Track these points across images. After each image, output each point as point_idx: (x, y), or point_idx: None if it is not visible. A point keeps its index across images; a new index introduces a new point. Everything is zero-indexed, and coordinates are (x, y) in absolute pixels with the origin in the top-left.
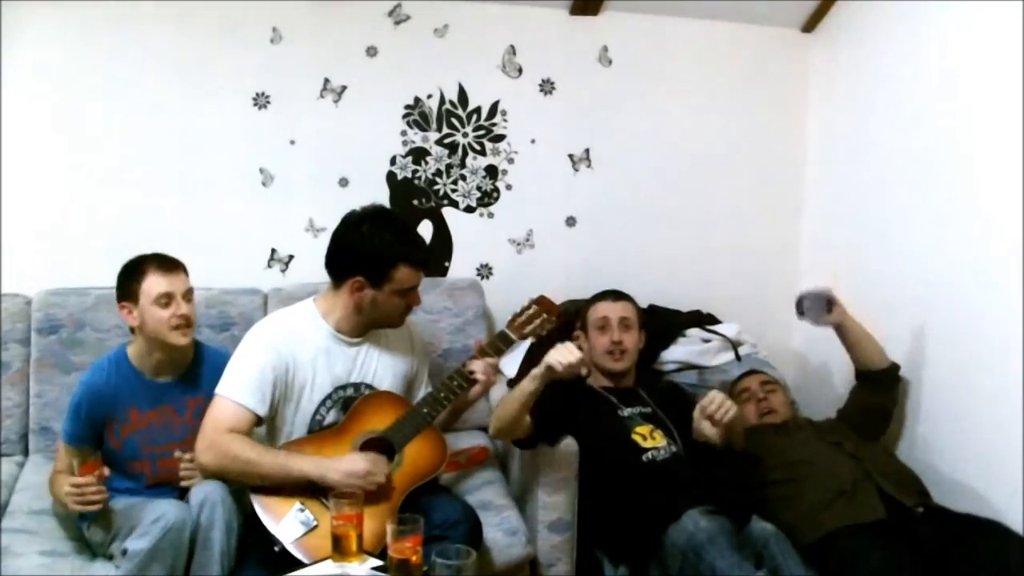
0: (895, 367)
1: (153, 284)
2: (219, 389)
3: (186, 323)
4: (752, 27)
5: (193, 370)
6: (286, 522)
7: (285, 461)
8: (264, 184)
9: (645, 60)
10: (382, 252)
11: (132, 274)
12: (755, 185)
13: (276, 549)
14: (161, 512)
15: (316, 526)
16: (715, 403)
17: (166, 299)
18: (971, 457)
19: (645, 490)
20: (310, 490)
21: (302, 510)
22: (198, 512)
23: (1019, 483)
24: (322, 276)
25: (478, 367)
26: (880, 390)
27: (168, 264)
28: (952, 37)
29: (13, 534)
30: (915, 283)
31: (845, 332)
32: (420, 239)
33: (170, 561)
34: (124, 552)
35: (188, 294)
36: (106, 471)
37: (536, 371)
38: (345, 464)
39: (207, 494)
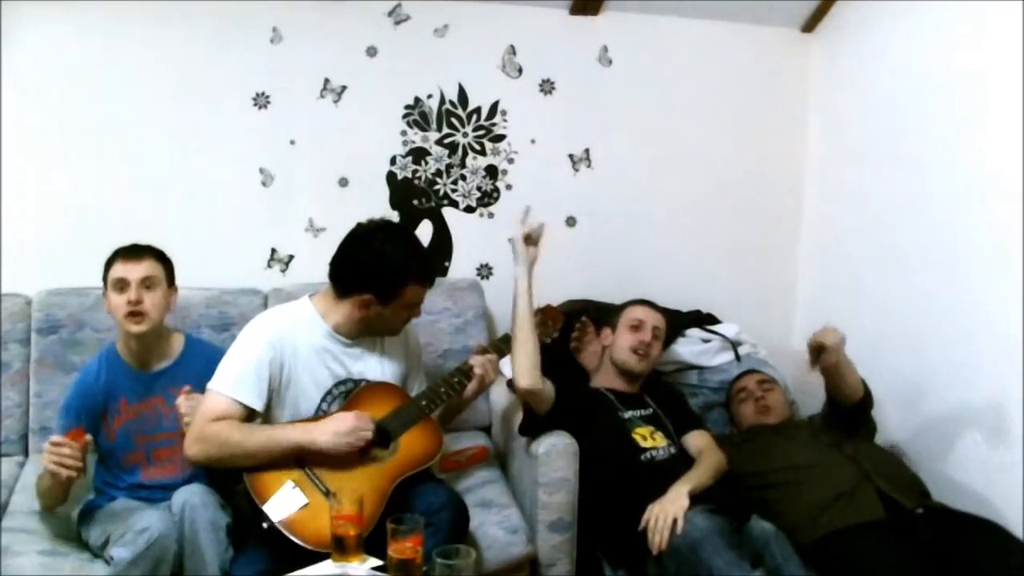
0: (868, 395)
1: (114, 271)
2: (211, 384)
3: (137, 311)
4: (752, 27)
5: (183, 361)
6: (276, 499)
7: (271, 433)
8: (264, 184)
9: (645, 60)
10: (393, 271)
11: (106, 264)
12: (755, 185)
13: (264, 526)
14: (147, 523)
15: (306, 504)
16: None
17: (121, 285)
18: (971, 457)
19: (644, 489)
20: (301, 464)
21: (293, 488)
22: (180, 519)
23: (1019, 483)
24: (322, 277)
25: (477, 361)
26: (852, 417)
27: (132, 251)
28: (952, 37)
29: (13, 534)
30: (915, 282)
31: (833, 374)
32: (428, 254)
33: (151, 568)
34: (111, 559)
35: (147, 281)
36: (88, 438)
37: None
38: (332, 424)
39: (185, 499)
